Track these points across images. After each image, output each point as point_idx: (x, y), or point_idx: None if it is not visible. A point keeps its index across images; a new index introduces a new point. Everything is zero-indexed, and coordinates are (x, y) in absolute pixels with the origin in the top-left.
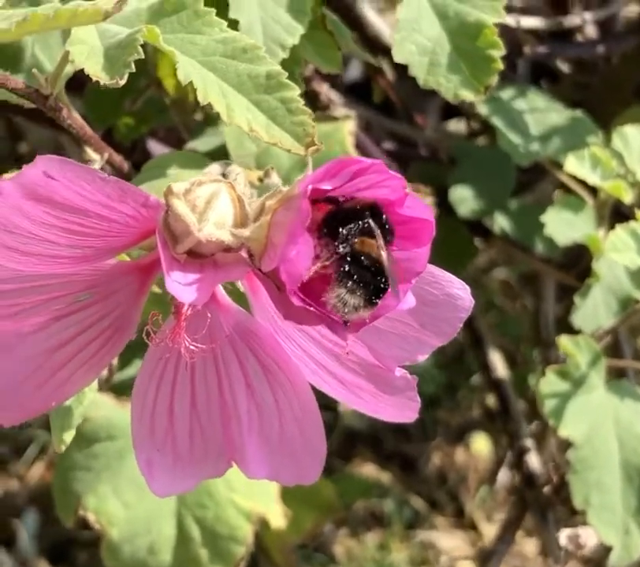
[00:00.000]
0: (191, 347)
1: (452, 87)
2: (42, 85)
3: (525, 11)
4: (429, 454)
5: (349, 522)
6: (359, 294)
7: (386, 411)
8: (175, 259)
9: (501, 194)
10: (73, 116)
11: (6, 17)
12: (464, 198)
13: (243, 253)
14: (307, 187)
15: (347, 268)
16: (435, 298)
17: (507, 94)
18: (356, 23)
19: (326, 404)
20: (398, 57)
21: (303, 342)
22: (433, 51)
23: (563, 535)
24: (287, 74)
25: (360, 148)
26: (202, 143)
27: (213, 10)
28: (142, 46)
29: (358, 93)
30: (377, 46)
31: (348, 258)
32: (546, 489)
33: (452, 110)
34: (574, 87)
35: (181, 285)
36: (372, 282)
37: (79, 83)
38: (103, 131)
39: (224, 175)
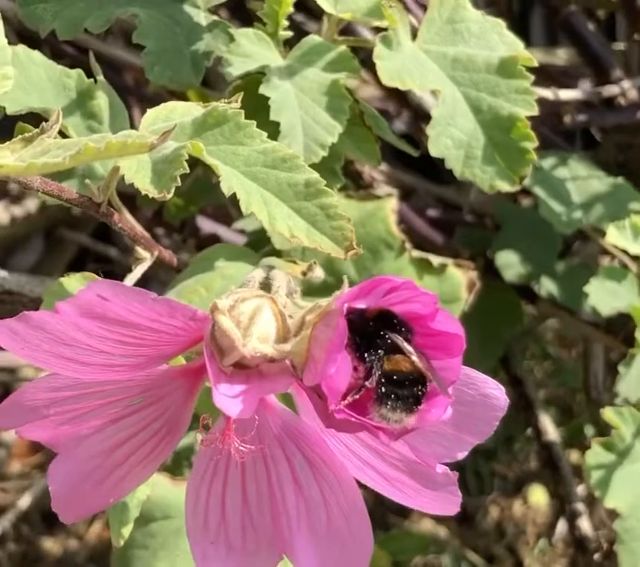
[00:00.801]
0: (241, 448)
1: (487, 178)
2: (95, 194)
3: (567, 74)
4: (486, 508)
5: None
6: (399, 410)
7: (429, 505)
8: (222, 371)
9: (547, 257)
10: (124, 220)
11: (61, 146)
12: (510, 263)
13: (288, 362)
14: (343, 306)
15: (383, 390)
16: (472, 398)
17: (548, 162)
18: (399, 91)
19: None
20: (434, 152)
21: (347, 440)
22: (469, 144)
23: None
24: (325, 181)
25: (404, 221)
26: (249, 222)
27: (254, 122)
28: None
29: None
30: (420, 113)
31: (382, 380)
32: (597, 556)
33: None
34: (617, 148)
35: (228, 397)
36: (409, 394)
37: None
38: (153, 212)
39: (267, 278)
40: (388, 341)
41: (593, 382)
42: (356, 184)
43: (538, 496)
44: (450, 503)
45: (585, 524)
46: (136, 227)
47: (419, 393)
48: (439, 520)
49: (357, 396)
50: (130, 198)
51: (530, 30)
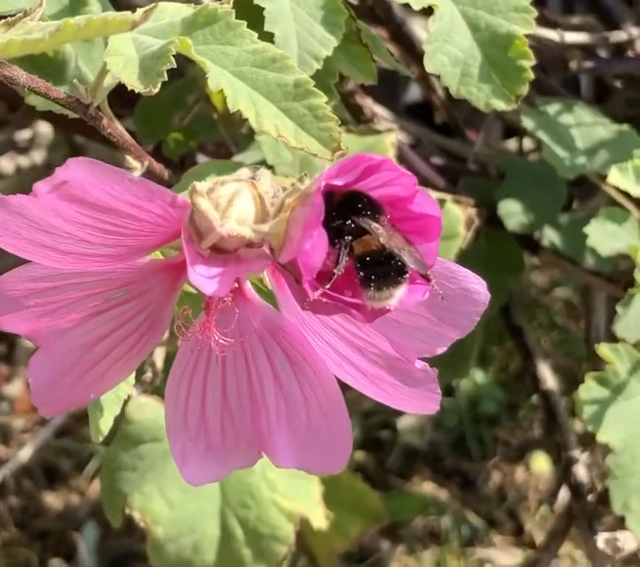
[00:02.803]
0: (221, 341)
1: (483, 96)
2: (83, 95)
3: (578, 28)
4: (488, 473)
5: (406, 539)
6: (385, 287)
7: (408, 403)
8: (199, 254)
9: (551, 208)
10: (113, 126)
11: (42, 28)
12: (513, 212)
13: (266, 249)
14: (321, 183)
15: (362, 274)
16: (452, 292)
17: (553, 108)
18: (407, 41)
19: (385, 422)
20: (430, 68)
21: (328, 336)
22: (465, 62)
23: (601, 539)
24: (314, 82)
25: (406, 162)
26: (247, 156)
27: (245, 22)
28: (185, 59)
29: (418, 114)
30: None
31: (358, 265)
32: (591, 497)
33: (513, 130)
34: (626, 103)
35: (204, 277)
36: (389, 269)
37: (129, 100)
38: (153, 147)
39: (253, 178)
40: (353, 225)
41: (594, 334)
42: (357, 119)
43: (541, 463)
44: (429, 400)
45: (581, 471)
46: (125, 136)
47: (399, 264)
48: (441, 483)
49: (328, 285)
50: (130, 134)
51: None
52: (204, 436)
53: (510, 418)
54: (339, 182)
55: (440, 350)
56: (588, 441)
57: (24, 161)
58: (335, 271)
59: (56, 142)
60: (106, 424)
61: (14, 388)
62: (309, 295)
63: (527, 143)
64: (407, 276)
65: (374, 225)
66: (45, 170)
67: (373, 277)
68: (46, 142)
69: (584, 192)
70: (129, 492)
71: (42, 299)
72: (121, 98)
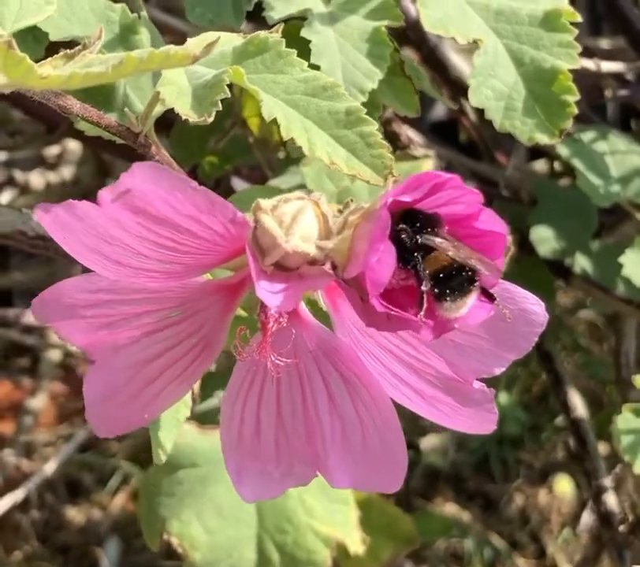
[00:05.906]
0: (277, 362)
1: (527, 130)
2: (133, 123)
3: (610, 55)
4: (511, 495)
5: (429, 560)
6: (458, 300)
7: (465, 423)
8: (263, 270)
9: (583, 234)
10: (161, 153)
11: (103, 61)
12: (545, 238)
13: (327, 267)
14: (388, 199)
15: (437, 291)
16: (511, 313)
17: (588, 136)
18: (440, 65)
19: (408, 442)
20: (474, 101)
21: (383, 357)
22: (510, 96)
23: None
24: (365, 110)
25: None
26: (283, 181)
27: (295, 51)
28: (228, 86)
29: (443, 132)
30: (460, 88)
31: (431, 283)
32: (622, 528)
33: (538, 151)
34: None
35: (269, 292)
36: (462, 280)
37: (166, 123)
38: (188, 170)
39: None
40: (419, 243)
41: (623, 361)
42: (393, 146)
43: (564, 486)
44: (486, 421)
45: (610, 499)
46: (172, 163)
47: (470, 274)
48: (463, 505)
49: (422, 311)
50: None
51: None
52: (259, 455)
53: (533, 440)
54: (406, 198)
55: (498, 371)
56: (614, 463)
57: (53, 176)
58: (423, 288)
59: (84, 158)
60: (167, 445)
61: (38, 402)
62: (376, 311)
63: (557, 165)
64: (478, 283)
65: (438, 240)
66: (73, 185)
67: (448, 291)
68: (75, 158)
69: (614, 218)
70: (167, 518)
71: (98, 311)
72: (157, 122)
